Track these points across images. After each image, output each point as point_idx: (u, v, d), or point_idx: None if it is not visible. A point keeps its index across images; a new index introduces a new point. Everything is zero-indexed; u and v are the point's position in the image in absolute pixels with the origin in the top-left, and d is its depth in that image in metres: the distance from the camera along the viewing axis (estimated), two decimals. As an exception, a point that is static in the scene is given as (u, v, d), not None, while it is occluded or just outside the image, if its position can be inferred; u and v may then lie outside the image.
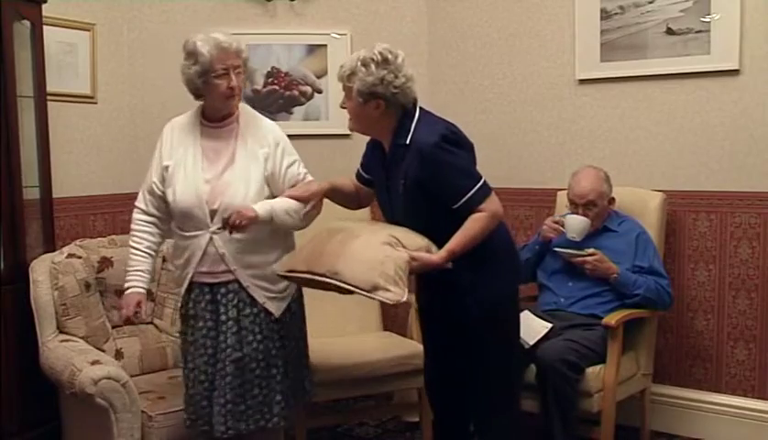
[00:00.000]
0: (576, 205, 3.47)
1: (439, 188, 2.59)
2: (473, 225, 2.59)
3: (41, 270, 3.21)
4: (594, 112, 3.92)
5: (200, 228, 2.77)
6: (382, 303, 3.96)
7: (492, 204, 2.62)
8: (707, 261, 3.66)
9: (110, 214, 4.01)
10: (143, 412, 2.95)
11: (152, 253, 2.88)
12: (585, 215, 3.44)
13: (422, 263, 2.55)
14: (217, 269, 2.78)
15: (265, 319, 2.83)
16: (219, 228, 2.73)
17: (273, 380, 2.84)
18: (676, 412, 3.74)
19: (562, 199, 3.75)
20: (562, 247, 3.44)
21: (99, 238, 3.54)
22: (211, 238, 2.76)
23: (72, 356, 3.00)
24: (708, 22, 3.53)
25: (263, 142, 2.84)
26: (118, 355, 3.35)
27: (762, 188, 3.50)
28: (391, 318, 4.08)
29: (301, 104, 4.29)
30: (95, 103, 3.96)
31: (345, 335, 3.83)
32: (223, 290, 2.80)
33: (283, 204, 2.78)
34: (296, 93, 4.28)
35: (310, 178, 2.92)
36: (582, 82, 3.92)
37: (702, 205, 3.66)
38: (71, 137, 3.85)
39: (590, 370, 3.21)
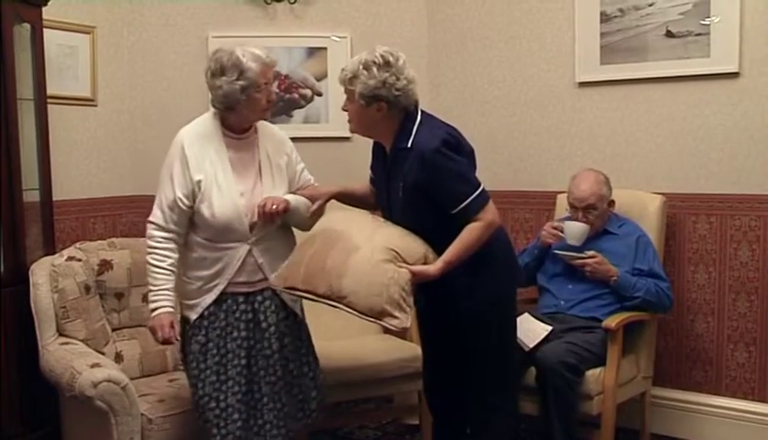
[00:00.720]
0: (576, 209, 3.47)
1: (437, 193, 2.60)
2: (469, 236, 2.60)
3: (41, 273, 3.21)
4: (594, 115, 3.92)
5: (239, 240, 2.77)
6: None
7: (489, 214, 2.63)
8: (707, 264, 3.66)
9: (110, 216, 4.01)
10: (143, 414, 2.95)
11: (174, 270, 2.79)
12: (584, 219, 3.45)
13: (421, 277, 2.57)
14: (254, 278, 2.82)
15: (293, 321, 2.92)
16: (253, 220, 2.75)
17: (306, 378, 2.95)
18: (676, 414, 3.74)
19: (562, 202, 3.75)
20: (561, 251, 3.44)
21: (99, 241, 3.53)
22: (250, 250, 2.79)
23: (72, 358, 2.99)
24: (708, 25, 3.53)
25: (281, 150, 2.91)
26: (118, 358, 3.35)
27: (762, 190, 3.50)
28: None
29: (301, 106, 4.29)
30: (95, 105, 3.97)
31: (345, 338, 3.83)
32: (259, 298, 2.84)
33: (300, 199, 2.86)
34: (296, 95, 4.28)
35: (316, 184, 3.00)
36: (582, 84, 3.93)
37: (702, 208, 3.66)
38: (72, 139, 3.85)
39: (590, 373, 3.20)
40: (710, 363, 3.69)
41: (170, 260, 2.78)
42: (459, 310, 2.70)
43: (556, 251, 3.46)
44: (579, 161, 3.87)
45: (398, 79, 2.61)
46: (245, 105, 2.74)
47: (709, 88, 3.59)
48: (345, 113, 2.74)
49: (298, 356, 2.93)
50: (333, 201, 2.93)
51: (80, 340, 3.20)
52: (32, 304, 3.18)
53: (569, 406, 3.14)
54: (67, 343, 3.15)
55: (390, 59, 2.62)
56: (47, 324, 3.17)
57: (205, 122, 2.84)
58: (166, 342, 2.79)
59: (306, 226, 2.90)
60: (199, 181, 2.74)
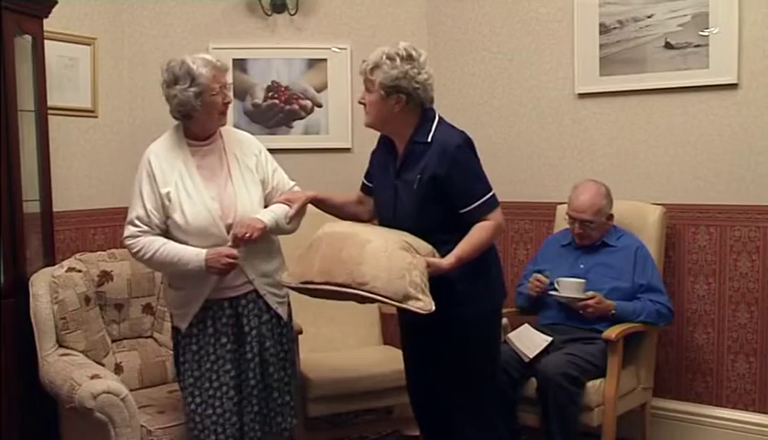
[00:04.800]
0: (573, 220, 3.48)
1: (453, 188, 2.62)
2: (480, 234, 2.62)
3: (41, 284, 3.21)
4: (593, 126, 3.93)
5: (218, 245, 2.77)
6: (383, 316, 4.01)
7: (499, 216, 2.67)
8: (706, 275, 3.66)
9: (110, 227, 4.01)
10: (142, 426, 2.94)
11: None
12: (581, 230, 3.45)
13: (434, 269, 2.56)
14: (238, 281, 2.83)
15: (276, 324, 2.92)
16: (229, 245, 2.75)
17: (282, 382, 2.94)
18: (677, 425, 3.73)
19: (561, 213, 3.75)
20: (557, 294, 3.39)
21: (99, 252, 3.52)
22: None
23: (72, 370, 2.99)
24: (707, 36, 3.55)
25: (248, 152, 2.93)
26: (118, 369, 3.34)
27: (761, 201, 3.51)
28: (391, 332, 4.07)
29: (301, 118, 4.30)
30: (96, 116, 3.97)
31: (344, 350, 3.83)
32: (243, 301, 2.85)
33: (279, 210, 2.87)
34: (296, 107, 4.29)
35: (295, 186, 3.02)
36: (581, 95, 3.94)
37: (702, 219, 3.66)
38: (72, 150, 3.85)
39: (591, 384, 3.20)
40: (710, 374, 3.69)
41: (162, 239, 2.77)
42: (455, 316, 2.66)
43: (555, 295, 3.40)
44: (579, 172, 3.88)
45: (419, 72, 2.65)
46: (201, 112, 2.78)
47: (708, 99, 3.60)
48: (362, 106, 2.75)
49: (277, 360, 2.92)
50: (310, 206, 2.94)
51: (79, 351, 3.19)
52: (32, 315, 3.17)
53: (570, 417, 3.13)
54: (67, 354, 3.14)
55: (413, 53, 2.67)
56: (46, 336, 3.17)
57: (171, 135, 2.88)
58: (230, 258, 2.72)
59: (288, 232, 2.91)
60: (167, 193, 2.77)
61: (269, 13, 4.22)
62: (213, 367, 2.82)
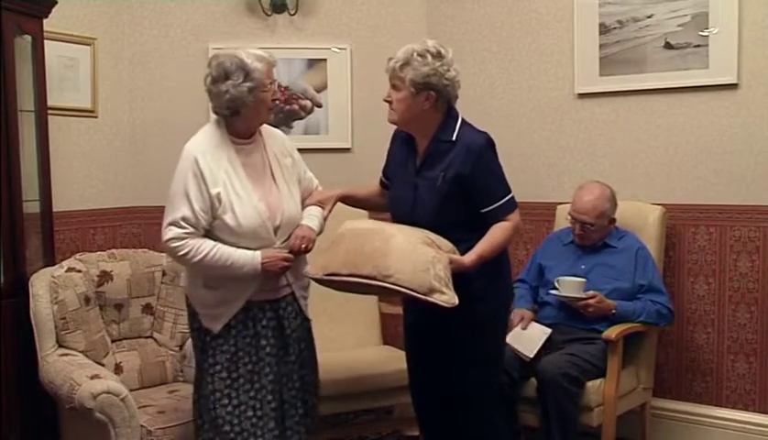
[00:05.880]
0: (575, 220, 3.48)
1: (476, 187, 2.65)
2: (500, 234, 2.66)
3: (41, 284, 3.21)
4: (593, 126, 3.93)
5: (266, 247, 2.73)
6: (382, 316, 4.01)
7: (517, 217, 2.73)
8: (706, 275, 3.66)
9: (110, 227, 4.01)
10: (142, 426, 2.94)
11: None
12: (580, 232, 3.45)
13: (456, 265, 2.57)
14: (280, 284, 2.81)
15: (307, 327, 2.94)
16: (289, 253, 2.75)
17: (312, 385, 2.95)
18: (677, 425, 3.73)
19: (561, 213, 3.75)
20: (557, 293, 3.39)
21: (99, 252, 3.53)
22: None
23: (72, 370, 2.99)
24: (707, 36, 3.55)
25: (284, 151, 2.90)
26: (118, 369, 3.34)
27: (761, 201, 3.51)
28: (391, 332, 4.07)
29: (301, 118, 4.30)
30: (96, 117, 3.97)
31: (345, 350, 3.83)
32: (283, 304, 2.83)
33: (319, 214, 2.88)
34: (296, 107, 4.29)
35: (320, 188, 3.01)
36: (581, 96, 3.94)
37: (701, 219, 3.66)
38: (72, 150, 3.85)
39: (590, 384, 3.20)
40: (710, 374, 3.69)
41: (211, 241, 2.68)
42: (471, 313, 2.65)
43: (556, 294, 3.39)
44: (578, 172, 3.88)
45: (448, 69, 2.66)
46: (251, 107, 2.71)
47: (708, 99, 3.60)
48: (388, 103, 2.73)
49: (310, 362, 2.94)
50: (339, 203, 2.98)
51: (79, 351, 3.20)
52: (32, 316, 3.17)
53: (570, 418, 3.13)
54: (66, 354, 3.15)
55: (442, 50, 2.68)
56: (46, 336, 3.17)
57: (212, 132, 2.77)
58: (287, 262, 2.71)
59: (321, 233, 2.91)
60: (218, 194, 2.67)
61: (269, 13, 4.21)
62: (255, 369, 2.76)
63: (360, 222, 2.79)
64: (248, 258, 2.68)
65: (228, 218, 2.68)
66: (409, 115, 2.70)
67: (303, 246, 2.75)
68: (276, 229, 2.75)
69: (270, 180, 2.82)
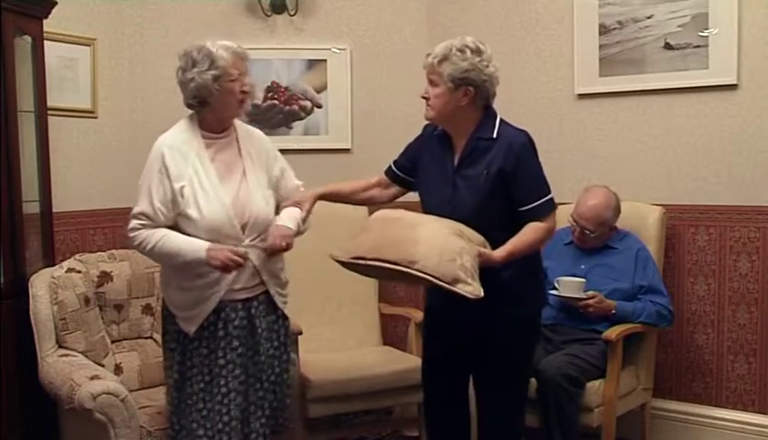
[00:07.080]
0: (576, 223, 3.48)
1: (517, 184, 2.62)
2: (532, 234, 2.62)
3: (41, 285, 3.21)
4: (593, 126, 3.93)
5: (233, 244, 2.70)
6: (382, 317, 4.01)
7: (553, 220, 2.68)
8: (706, 275, 3.67)
9: (110, 228, 4.01)
10: (142, 427, 2.94)
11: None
12: (580, 235, 3.46)
13: (485, 259, 2.54)
14: (252, 283, 2.78)
15: (281, 324, 2.90)
16: (267, 254, 2.74)
17: (284, 384, 2.92)
18: (677, 426, 3.73)
19: (561, 213, 3.73)
20: (557, 293, 3.39)
21: (99, 253, 3.52)
22: (245, 253, 2.70)
23: (72, 370, 2.99)
24: (707, 37, 3.55)
25: (260, 149, 2.88)
26: (117, 369, 3.34)
27: (761, 202, 3.51)
28: (391, 332, 4.07)
29: (301, 118, 4.30)
30: (96, 117, 3.97)
31: (344, 350, 3.83)
32: (255, 303, 2.80)
33: (296, 214, 2.81)
34: (296, 107, 4.29)
35: (301, 186, 2.97)
36: (581, 96, 3.94)
37: (701, 219, 3.66)
38: (72, 151, 3.85)
39: (590, 385, 3.21)
40: (710, 374, 3.69)
41: (163, 230, 2.69)
42: (511, 316, 2.65)
43: (556, 294, 3.39)
44: (578, 173, 3.88)
45: (487, 65, 2.64)
46: (218, 97, 2.70)
47: (708, 100, 3.61)
48: (425, 100, 2.70)
49: (280, 362, 2.89)
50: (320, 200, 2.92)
51: (79, 352, 3.20)
52: (32, 316, 3.17)
53: (570, 418, 3.13)
54: (66, 355, 3.15)
55: (481, 46, 2.66)
56: (46, 336, 3.17)
57: (185, 126, 2.79)
58: (229, 263, 2.63)
59: (302, 233, 2.88)
60: (182, 188, 2.68)
61: (269, 13, 4.21)
62: (222, 372, 2.73)
63: (392, 211, 2.74)
64: (197, 245, 2.65)
65: (192, 211, 2.68)
66: (446, 112, 2.67)
67: (284, 245, 2.71)
68: (243, 226, 2.73)
69: (241, 177, 2.79)
